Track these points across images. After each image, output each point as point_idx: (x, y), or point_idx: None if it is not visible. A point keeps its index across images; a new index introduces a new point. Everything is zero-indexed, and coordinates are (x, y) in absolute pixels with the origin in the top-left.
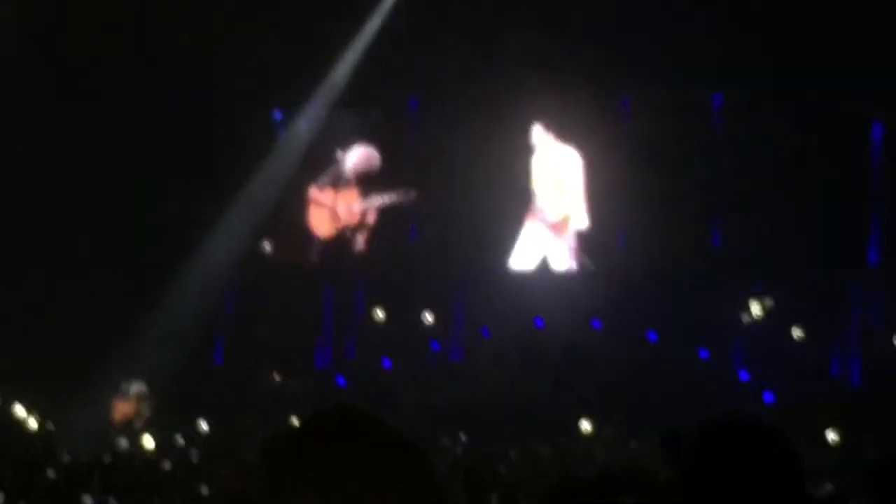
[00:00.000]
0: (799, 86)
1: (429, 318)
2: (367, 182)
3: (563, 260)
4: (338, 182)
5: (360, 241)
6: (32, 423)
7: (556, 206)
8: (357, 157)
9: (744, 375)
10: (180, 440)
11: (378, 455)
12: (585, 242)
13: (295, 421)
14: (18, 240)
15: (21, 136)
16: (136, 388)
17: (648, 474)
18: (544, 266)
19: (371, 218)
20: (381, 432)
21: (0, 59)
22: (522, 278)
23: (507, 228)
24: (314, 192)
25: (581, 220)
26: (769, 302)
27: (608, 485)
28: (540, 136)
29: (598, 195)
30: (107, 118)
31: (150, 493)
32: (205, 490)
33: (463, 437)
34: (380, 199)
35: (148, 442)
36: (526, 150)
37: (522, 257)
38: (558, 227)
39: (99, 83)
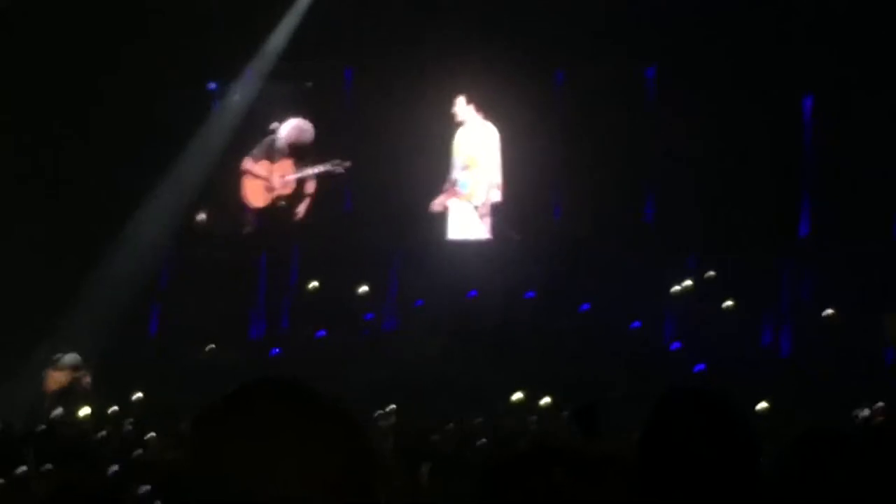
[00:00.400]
0: (730, 57)
1: (363, 288)
2: (302, 153)
3: (480, 231)
4: (272, 154)
5: (296, 211)
6: None
7: (469, 181)
8: (289, 128)
9: (675, 345)
10: (114, 409)
11: (309, 424)
12: (519, 215)
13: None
14: None
15: None
16: (70, 358)
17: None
18: (475, 238)
19: (307, 188)
20: (312, 400)
21: None
22: (456, 249)
23: (428, 201)
24: (248, 164)
25: (495, 193)
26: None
27: (541, 457)
28: (462, 109)
29: (532, 167)
30: (37, 89)
31: (84, 461)
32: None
33: (396, 408)
34: (314, 170)
35: (83, 411)
36: (454, 122)
37: (454, 229)
38: (471, 199)
39: (30, 52)
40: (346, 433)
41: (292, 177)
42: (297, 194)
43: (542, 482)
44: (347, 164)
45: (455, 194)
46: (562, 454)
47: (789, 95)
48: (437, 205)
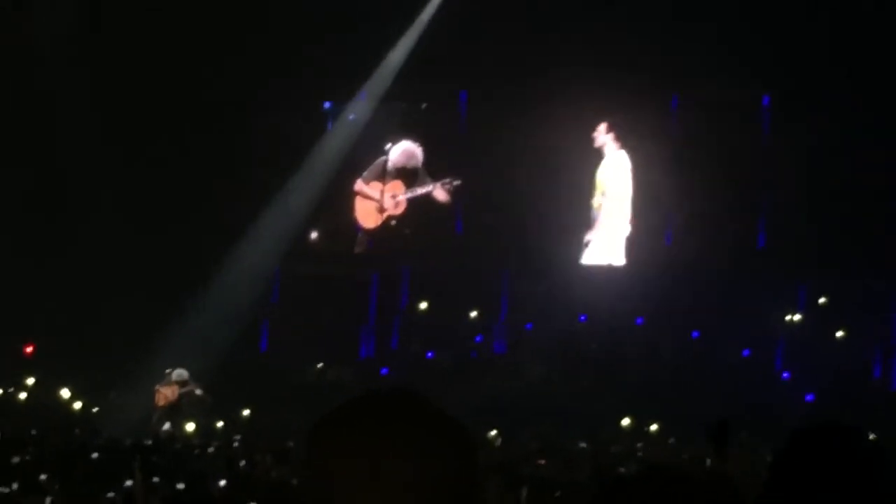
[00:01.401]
0: (847, 85)
1: (473, 312)
2: (411, 175)
3: (617, 257)
4: (383, 175)
5: (406, 231)
6: (76, 406)
7: (614, 211)
8: (398, 153)
9: (785, 374)
10: (222, 425)
11: (422, 437)
12: (632, 240)
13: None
14: (75, 229)
15: (75, 135)
16: (178, 374)
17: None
18: (610, 264)
19: (416, 208)
20: (428, 413)
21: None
22: (566, 274)
23: (554, 224)
24: (360, 185)
25: (629, 220)
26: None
27: (653, 480)
28: (602, 136)
29: (645, 194)
30: (163, 111)
31: (191, 476)
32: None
33: (502, 430)
34: (425, 189)
35: (189, 427)
36: (575, 147)
37: (589, 255)
38: (614, 229)
39: (153, 78)
40: (459, 449)
41: (403, 197)
42: (405, 215)
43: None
44: (458, 182)
45: (591, 220)
46: (674, 477)
47: None
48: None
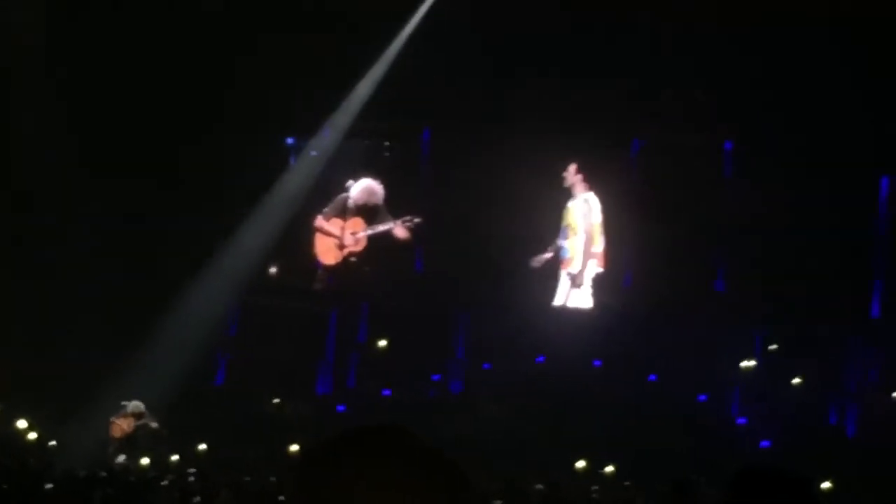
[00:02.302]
0: (807, 134)
1: (431, 350)
2: (372, 213)
3: (585, 300)
4: (344, 211)
5: (366, 269)
6: (31, 437)
7: (582, 254)
8: (360, 190)
9: (741, 420)
10: (176, 459)
11: (415, 473)
12: (598, 282)
13: (296, 446)
14: (30, 259)
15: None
16: (134, 406)
17: None
18: (578, 307)
19: (375, 246)
20: (419, 450)
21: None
22: (528, 315)
23: (514, 264)
24: (320, 222)
25: (595, 264)
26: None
27: None
28: (573, 175)
29: (605, 236)
30: (126, 142)
31: None
32: None
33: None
34: (385, 226)
35: (144, 460)
36: (536, 187)
37: (560, 296)
38: (582, 273)
39: (115, 109)
40: (454, 487)
41: (363, 234)
42: (364, 253)
43: None
44: (418, 220)
45: (559, 260)
46: None
47: (866, 175)
48: (536, 262)
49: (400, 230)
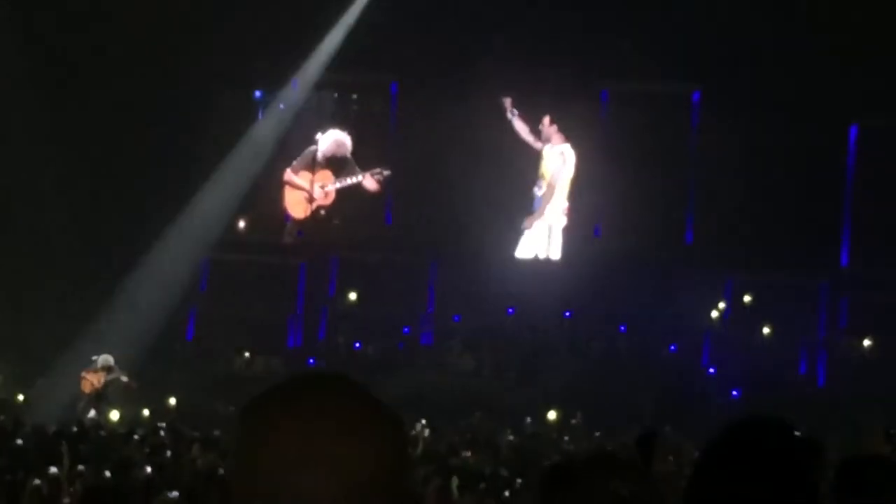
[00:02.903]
0: (776, 81)
1: (401, 303)
2: (340, 164)
3: (555, 250)
4: (313, 164)
5: (335, 222)
6: (2, 393)
7: (556, 204)
8: (328, 142)
9: (711, 370)
10: (147, 413)
11: (354, 418)
12: (563, 233)
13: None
14: (3, 219)
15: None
16: (103, 359)
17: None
18: (535, 257)
19: (345, 199)
20: (360, 395)
21: None
22: (495, 266)
23: (488, 216)
24: (289, 175)
25: (565, 211)
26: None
27: (601, 466)
28: (547, 126)
29: (575, 186)
30: (88, 99)
31: (116, 464)
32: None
33: (429, 422)
34: (354, 178)
35: (113, 415)
36: (504, 139)
37: (524, 250)
38: (555, 221)
39: (80, 64)
40: (391, 431)
41: (332, 187)
42: (334, 205)
43: (603, 488)
44: (387, 172)
45: (530, 213)
46: (622, 464)
47: (835, 123)
48: (527, 224)
49: (369, 182)
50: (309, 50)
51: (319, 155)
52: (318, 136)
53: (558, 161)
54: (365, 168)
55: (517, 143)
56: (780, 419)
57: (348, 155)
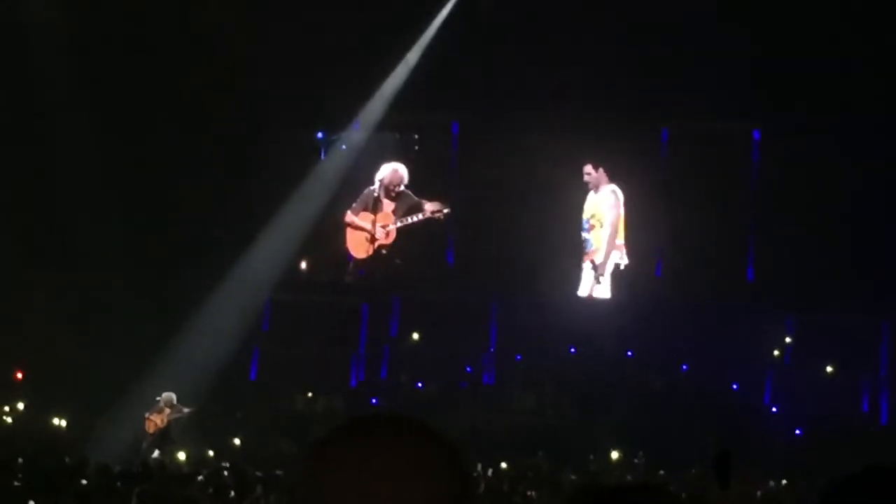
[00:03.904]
0: (839, 122)
1: (463, 342)
2: (400, 198)
3: (601, 291)
4: (373, 205)
5: (397, 261)
6: (66, 432)
7: (606, 245)
8: (384, 173)
9: (774, 408)
10: (211, 453)
11: (424, 456)
12: (623, 273)
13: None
14: (66, 254)
15: (73, 166)
16: (166, 398)
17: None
18: (600, 297)
19: (407, 238)
20: (431, 435)
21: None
22: (558, 306)
23: (546, 255)
24: (350, 217)
25: (618, 255)
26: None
27: (634, 490)
28: (589, 174)
29: (636, 226)
30: (155, 136)
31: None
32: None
33: (491, 461)
34: (416, 217)
35: (180, 455)
36: (566, 178)
37: (585, 286)
38: (593, 262)
39: (150, 104)
40: (455, 471)
41: (393, 227)
42: (395, 245)
43: None
44: (447, 210)
45: (583, 252)
46: (653, 488)
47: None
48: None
49: (431, 211)
50: (371, 90)
51: (377, 185)
52: (377, 175)
53: (611, 200)
54: (424, 204)
55: (573, 184)
56: None
57: (405, 183)
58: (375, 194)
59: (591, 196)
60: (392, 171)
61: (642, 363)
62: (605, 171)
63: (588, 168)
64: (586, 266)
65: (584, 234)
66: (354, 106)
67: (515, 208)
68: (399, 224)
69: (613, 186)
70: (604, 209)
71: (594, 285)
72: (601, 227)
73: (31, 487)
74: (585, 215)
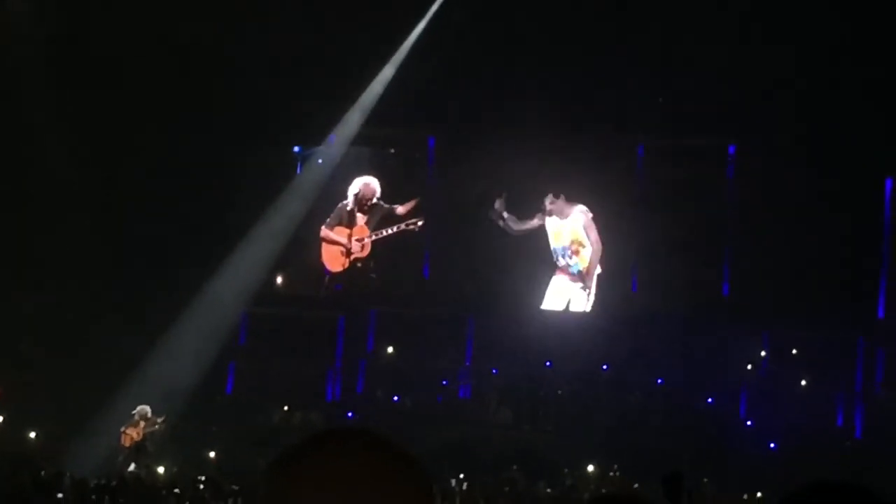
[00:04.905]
0: (811, 136)
1: (439, 356)
2: (373, 211)
3: (583, 304)
4: (348, 218)
5: (373, 275)
6: (43, 446)
7: (577, 261)
8: (357, 186)
9: (749, 422)
10: (188, 469)
11: (380, 474)
12: (599, 287)
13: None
14: (42, 271)
15: (46, 180)
16: (140, 411)
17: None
18: (566, 309)
19: (382, 251)
20: (392, 448)
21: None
22: (533, 319)
23: (521, 270)
24: (325, 232)
25: (598, 268)
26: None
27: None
28: (552, 203)
29: (612, 241)
30: (131, 150)
31: None
32: None
33: (467, 474)
34: (390, 230)
35: (158, 469)
36: (539, 196)
37: (550, 302)
38: (582, 278)
39: (127, 116)
40: (415, 484)
41: (368, 239)
42: (370, 257)
43: None
44: (420, 222)
45: (568, 275)
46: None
47: (870, 176)
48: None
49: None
50: (347, 105)
51: (350, 199)
52: (349, 189)
53: (584, 219)
54: (399, 217)
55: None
56: (856, 486)
57: (377, 196)
58: (349, 208)
59: (557, 223)
60: (364, 184)
61: (618, 377)
62: (566, 198)
63: (549, 199)
64: (559, 280)
65: (567, 261)
66: (331, 120)
67: (491, 223)
68: (374, 237)
69: (580, 206)
70: (580, 230)
71: (573, 299)
72: (584, 247)
73: (8, 502)
74: (562, 243)
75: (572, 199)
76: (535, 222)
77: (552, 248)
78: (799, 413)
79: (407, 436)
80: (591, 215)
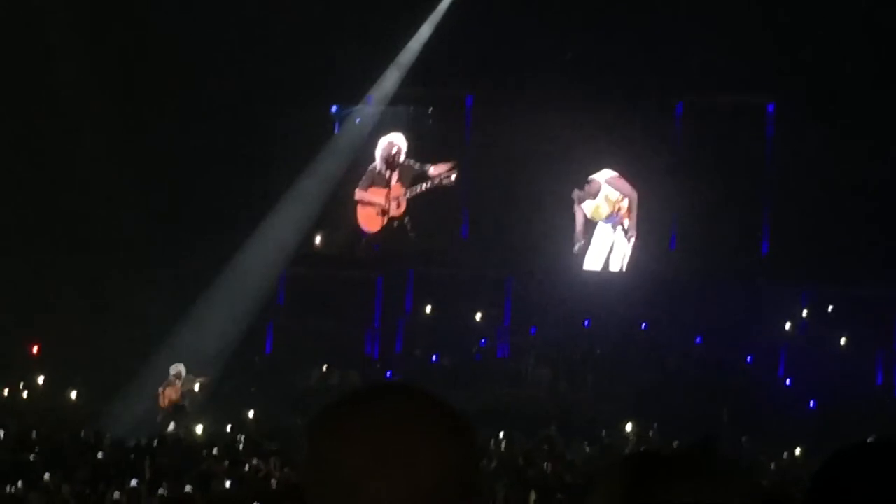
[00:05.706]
0: (852, 94)
1: (478, 315)
2: (403, 170)
3: (624, 247)
4: (379, 179)
5: (411, 234)
6: (83, 406)
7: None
8: (381, 146)
9: (788, 381)
10: (227, 428)
11: (425, 426)
12: (636, 247)
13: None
14: (81, 231)
15: (87, 147)
16: (174, 369)
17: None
18: (605, 268)
19: (419, 208)
20: (436, 403)
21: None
22: (572, 278)
23: (560, 229)
24: (360, 194)
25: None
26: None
27: (686, 461)
28: (579, 192)
29: (650, 200)
30: (169, 112)
31: (197, 477)
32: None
33: (506, 434)
34: (424, 187)
35: (196, 428)
36: (579, 156)
37: (593, 253)
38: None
39: (160, 75)
40: (460, 437)
41: (403, 197)
42: (405, 214)
43: (688, 486)
44: (454, 175)
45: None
46: (704, 462)
47: None
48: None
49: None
50: (384, 65)
51: (378, 160)
52: (375, 150)
53: (619, 184)
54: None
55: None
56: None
57: (404, 153)
58: (377, 169)
59: (591, 203)
60: (388, 143)
61: (656, 337)
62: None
63: (575, 192)
64: (602, 228)
65: (618, 226)
66: (368, 80)
67: (529, 182)
68: (409, 195)
69: (600, 173)
70: (612, 193)
71: (616, 244)
72: (623, 202)
73: (47, 461)
74: (606, 213)
75: (603, 162)
76: (578, 217)
77: (599, 224)
78: (838, 372)
79: (444, 395)
80: (614, 173)
